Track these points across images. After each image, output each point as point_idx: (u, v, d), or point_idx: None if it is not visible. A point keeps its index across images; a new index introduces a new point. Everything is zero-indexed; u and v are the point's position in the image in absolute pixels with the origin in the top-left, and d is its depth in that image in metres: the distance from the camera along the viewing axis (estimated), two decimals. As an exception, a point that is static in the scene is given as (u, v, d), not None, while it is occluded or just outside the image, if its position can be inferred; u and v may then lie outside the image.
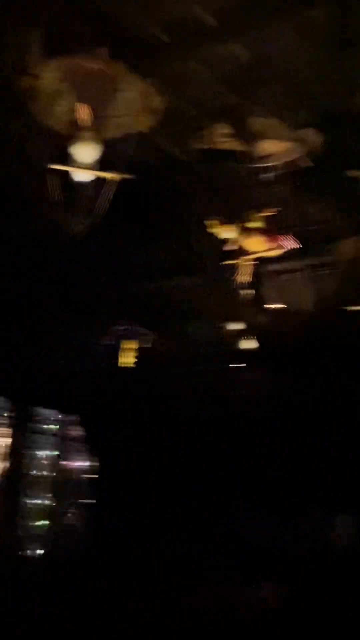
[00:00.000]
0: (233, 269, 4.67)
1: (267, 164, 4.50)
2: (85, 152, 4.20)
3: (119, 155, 4.18)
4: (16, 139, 4.11)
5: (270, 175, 4.52)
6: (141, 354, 6.70)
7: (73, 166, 4.03)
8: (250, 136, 4.37)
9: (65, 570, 7.67)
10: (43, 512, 7.85)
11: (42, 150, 4.06)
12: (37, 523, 7.76)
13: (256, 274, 5.23)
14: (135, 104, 4.10)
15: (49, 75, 3.89)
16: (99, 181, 4.11)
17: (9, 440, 7.47)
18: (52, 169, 4.02)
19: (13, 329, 6.64)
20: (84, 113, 4.34)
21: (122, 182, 4.06)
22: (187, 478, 7.98)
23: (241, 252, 4.43)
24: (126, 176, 4.06)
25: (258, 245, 4.91)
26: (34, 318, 6.79)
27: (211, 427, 7.90)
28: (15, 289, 5.90)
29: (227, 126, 4.40)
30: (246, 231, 4.41)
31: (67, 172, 4.02)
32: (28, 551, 7.65)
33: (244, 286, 4.72)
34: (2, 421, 7.51)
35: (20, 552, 7.48)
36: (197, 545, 7.57)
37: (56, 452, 8.14)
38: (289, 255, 5.14)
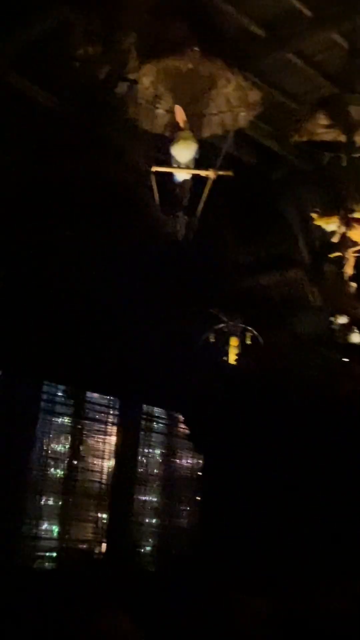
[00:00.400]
0: (339, 261, 4.57)
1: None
2: (184, 151, 4.25)
3: (218, 152, 4.20)
4: (117, 144, 4.21)
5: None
6: (247, 350, 6.69)
7: (173, 167, 4.09)
8: (350, 126, 4.28)
9: (175, 566, 7.78)
10: (154, 510, 7.98)
11: (142, 153, 4.14)
12: (149, 520, 7.89)
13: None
14: (233, 100, 4.10)
15: (146, 79, 3.96)
16: (199, 180, 4.13)
17: (120, 439, 7.63)
18: (153, 171, 4.09)
19: (121, 329, 6.81)
20: (181, 113, 4.38)
21: (222, 179, 4.07)
22: (296, 475, 7.89)
23: (347, 243, 4.33)
24: (226, 173, 4.07)
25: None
26: (140, 318, 6.93)
27: (319, 424, 7.78)
28: (122, 291, 6.05)
29: (326, 117, 4.32)
30: (351, 222, 4.31)
31: (167, 173, 4.08)
32: (140, 548, 7.80)
33: (350, 278, 4.61)
34: (113, 420, 7.69)
35: (133, 549, 7.63)
36: (308, 545, 7.47)
37: (165, 451, 8.24)
38: None
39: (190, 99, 4.14)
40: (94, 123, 3.98)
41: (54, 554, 6.92)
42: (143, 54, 3.88)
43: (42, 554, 6.84)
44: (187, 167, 4.14)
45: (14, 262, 4.85)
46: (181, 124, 4.48)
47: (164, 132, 4.26)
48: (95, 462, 7.45)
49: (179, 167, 4.05)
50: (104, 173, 4.21)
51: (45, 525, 6.91)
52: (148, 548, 7.88)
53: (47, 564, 6.90)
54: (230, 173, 4.09)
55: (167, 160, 3.93)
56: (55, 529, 6.98)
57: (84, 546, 7.19)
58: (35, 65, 3.79)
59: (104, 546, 7.29)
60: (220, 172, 4.09)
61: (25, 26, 3.70)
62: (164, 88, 4.07)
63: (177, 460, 8.30)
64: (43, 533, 6.87)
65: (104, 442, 7.56)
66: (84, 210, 4.59)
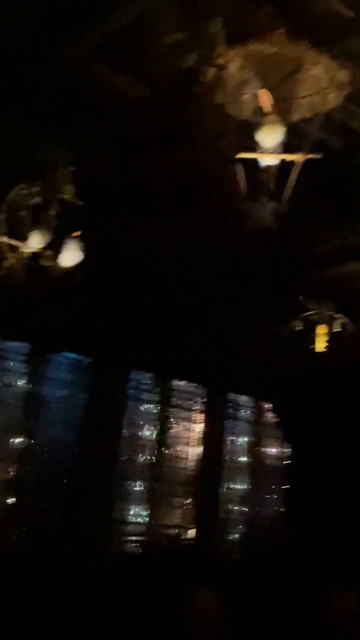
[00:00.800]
0: None
1: None
2: (270, 136, 4.17)
3: (304, 136, 4.11)
4: (205, 132, 4.19)
5: None
6: (334, 338, 6.57)
7: (259, 152, 4.03)
8: None
9: (262, 555, 7.77)
10: (240, 498, 7.99)
11: (229, 140, 4.10)
12: (235, 508, 7.91)
13: None
14: (321, 82, 4.00)
15: (233, 65, 3.92)
16: (285, 165, 4.06)
17: (207, 427, 7.67)
18: (239, 158, 4.05)
19: (206, 317, 6.82)
20: (266, 98, 4.31)
21: (310, 163, 3.98)
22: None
23: None
24: (314, 156, 3.98)
25: None
26: (227, 306, 6.92)
27: None
28: (209, 280, 6.05)
29: None
30: None
31: (253, 160, 4.03)
32: (227, 535, 7.83)
33: None
34: (199, 408, 7.74)
35: (219, 536, 7.67)
36: None
37: (251, 439, 8.22)
38: None
39: (277, 83, 4.06)
40: (181, 111, 3.98)
41: (142, 539, 7.06)
42: (229, 39, 3.83)
43: (130, 538, 6.99)
44: (274, 152, 4.07)
45: (103, 252, 4.92)
46: (266, 109, 4.41)
47: (252, 118, 4.20)
48: (181, 449, 7.53)
49: (265, 152, 3.99)
50: (190, 161, 4.19)
51: (133, 510, 7.05)
52: (235, 535, 7.91)
53: (135, 548, 7.05)
54: (318, 156, 4.00)
55: (254, 146, 3.87)
56: (144, 514, 7.12)
57: (171, 532, 7.30)
58: (120, 53, 3.82)
59: (190, 532, 7.38)
60: (309, 156, 4.01)
61: (111, 13, 3.72)
62: (251, 73, 4.01)
63: (264, 449, 8.28)
64: (132, 518, 7.02)
65: (190, 430, 7.63)
66: (171, 200, 4.60)
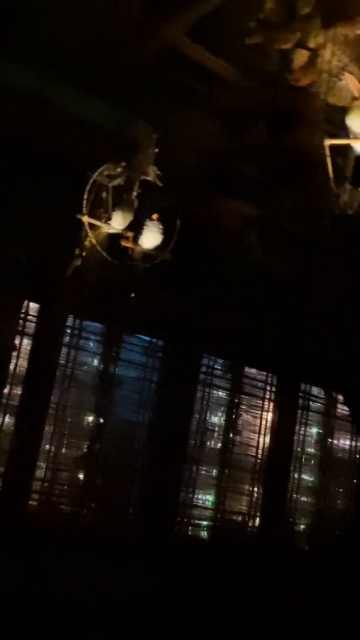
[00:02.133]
0: None
1: None
2: None
3: None
4: (297, 119, 4.11)
5: None
6: None
7: (350, 138, 3.92)
8: None
9: (329, 547, 7.68)
10: (309, 489, 7.91)
11: (320, 126, 4.01)
12: (303, 499, 7.83)
13: None
14: None
15: (328, 49, 3.82)
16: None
17: (277, 416, 7.61)
18: (327, 144, 3.95)
19: (281, 305, 6.75)
20: (355, 82, 4.19)
21: None
22: None
23: None
24: None
25: None
26: (300, 295, 6.83)
27: None
28: (286, 266, 5.97)
29: None
30: None
31: (344, 146, 3.93)
32: (294, 526, 7.76)
33: None
34: (270, 396, 7.68)
35: (286, 525, 7.62)
36: None
37: (322, 430, 8.11)
38: None
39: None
40: (274, 96, 3.92)
41: (209, 523, 7.09)
42: (324, 23, 3.75)
43: (197, 522, 7.03)
44: (364, 138, 3.95)
45: (185, 235, 4.91)
46: (356, 93, 4.29)
47: (341, 102, 4.11)
48: (251, 436, 7.50)
49: (356, 137, 3.88)
50: (282, 145, 4.12)
51: (201, 495, 7.08)
52: (302, 526, 7.84)
53: (201, 532, 7.08)
54: None
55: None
56: (211, 499, 7.13)
57: (238, 518, 7.29)
58: (213, 36, 3.79)
59: (257, 520, 7.36)
60: None
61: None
62: (347, 58, 3.91)
63: (335, 441, 8.15)
64: (199, 502, 7.05)
65: (261, 418, 7.58)
66: (256, 182, 4.55)
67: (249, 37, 3.58)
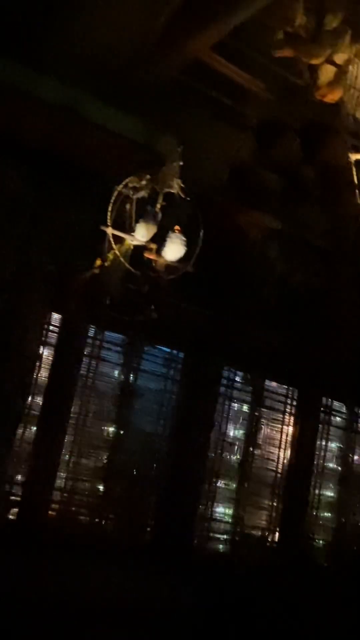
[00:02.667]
0: None
1: None
2: None
3: None
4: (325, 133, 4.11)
5: None
6: None
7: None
8: None
9: (350, 562, 7.60)
10: (329, 504, 7.83)
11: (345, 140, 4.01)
12: (323, 514, 7.76)
13: None
14: None
15: (353, 64, 3.83)
16: None
17: (297, 430, 7.56)
18: (355, 159, 3.95)
19: (303, 319, 6.73)
20: None
21: None
22: None
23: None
24: None
25: None
26: (321, 310, 6.80)
27: None
28: (308, 279, 5.96)
29: None
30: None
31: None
32: (314, 541, 7.69)
33: None
34: (291, 410, 7.64)
35: (306, 541, 7.55)
36: None
37: (343, 445, 8.04)
38: None
39: None
40: (301, 110, 3.93)
41: (227, 537, 7.04)
42: (353, 38, 3.76)
43: (216, 536, 6.98)
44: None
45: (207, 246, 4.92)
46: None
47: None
48: (271, 450, 7.45)
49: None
50: (310, 159, 4.13)
51: (219, 509, 7.04)
52: (321, 542, 7.75)
53: (220, 546, 7.03)
54: None
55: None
56: (230, 512, 7.09)
57: (257, 532, 7.23)
58: (239, 50, 3.82)
59: (277, 535, 7.29)
60: None
61: (231, 10, 3.72)
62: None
63: (356, 457, 8.07)
64: (218, 516, 7.01)
65: (281, 432, 7.53)
66: (280, 195, 4.56)
67: (278, 51, 3.60)
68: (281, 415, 7.57)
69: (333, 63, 3.67)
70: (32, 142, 4.47)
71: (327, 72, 3.75)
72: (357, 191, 3.88)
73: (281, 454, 7.47)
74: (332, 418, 7.95)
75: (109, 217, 4.88)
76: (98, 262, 5.36)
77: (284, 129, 3.36)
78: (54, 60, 3.90)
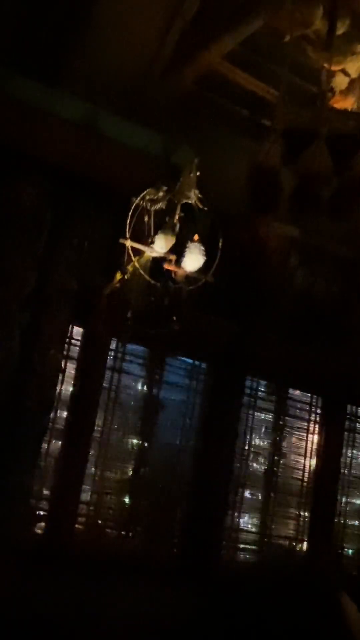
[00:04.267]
0: None
1: None
2: None
3: None
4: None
5: None
6: None
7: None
8: None
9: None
10: (357, 512, 7.75)
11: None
12: (352, 522, 7.68)
13: None
14: None
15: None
16: None
17: (323, 439, 7.51)
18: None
19: (325, 325, 6.70)
20: None
21: None
22: None
23: None
24: None
25: None
26: (345, 316, 6.76)
27: None
28: (329, 287, 5.93)
29: None
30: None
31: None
32: (343, 550, 7.60)
33: None
34: (315, 418, 7.59)
35: (335, 550, 7.47)
36: None
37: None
38: None
39: None
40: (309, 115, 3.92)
41: (255, 547, 6.99)
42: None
43: (243, 546, 6.94)
44: None
45: (230, 258, 4.92)
46: None
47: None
48: (297, 459, 7.40)
49: None
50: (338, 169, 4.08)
51: (246, 519, 7.00)
52: (350, 550, 7.67)
53: (248, 556, 6.98)
54: None
55: None
56: (257, 522, 7.04)
57: (285, 542, 7.18)
58: (250, 57, 3.84)
59: (305, 544, 7.23)
60: None
61: (244, 20, 3.74)
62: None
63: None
64: (245, 526, 6.97)
65: (306, 440, 7.48)
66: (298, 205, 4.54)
67: (304, 52, 3.60)
68: (306, 424, 7.53)
69: (344, 71, 3.67)
70: (50, 158, 4.51)
71: (340, 80, 3.75)
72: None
73: (307, 463, 7.42)
74: (358, 425, 7.88)
75: (127, 230, 4.90)
76: (118, 275, 5.38)
77: (312, 137, 3.35)
78: (71, 77, 3.94)
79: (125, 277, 5.40)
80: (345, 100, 3.97)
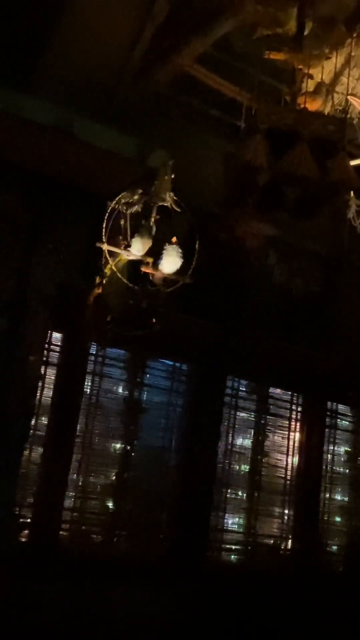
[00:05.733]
0: None
1: None
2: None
3: None
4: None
5: None
6: None
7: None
8: None
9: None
10: (341, 509, 7.80)
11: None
12: (335, 519, 7.73)
13: None
14: None
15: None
16: None
17: (305, 436, 7.55)
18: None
19: (309, 324, 6.73)
20: (357, 102, 4.22)
21: None
22: None
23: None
24: None
25: None
26: (323, 313, 6.81)
27: None
28: (308, 285, 5.97)
29: None
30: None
31: None
32: (328, 547, 7.65)
33: None
34: (296, 416, 7.62)
35: (320, 547, 7.51)
36: None
37: (351, 449, 8.02)
38: None
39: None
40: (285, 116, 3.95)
41: (241, 547, 7.01)
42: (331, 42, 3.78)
43: (229, 546, 6.95)
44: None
45: (208, 259, 4.94)
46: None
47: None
48: (279, 457, 7.43)
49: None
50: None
51: (231, 519, 7.01)
52: (335, 547, 7.72)
53: (233, 556, 6.99)
54: None
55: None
56: (241, 522, 7.06)
57: (270, 541, 7.20)
58: (222, 60, 3.86)
59: (289, 542, 7.26)
60: None
61: (214, 23, 3.76)
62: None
63: (364, 459, 8.05)
64: (230, 526, 6.98)
65: (288, 438, 7.51)
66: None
67: (270, 53, 3.62)
68: (287, 422, 7.56)
69: (309, 74, 3.70)
70: (25, 163, 4.50)
71: (306, 83, 3.78)
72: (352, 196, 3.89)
73: (289, 461, 7.45)
74: (339, 422, 7.93)
75: (103, 234, 4.90)
76: (97, 279, 5.38)
77: (295, 139, 3.37)
78: (43, 82, 3.94)
79: (103, 280, 5.41)
80: (313, 102, 4.00)
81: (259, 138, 3.41)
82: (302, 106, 3.92)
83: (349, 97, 4.24)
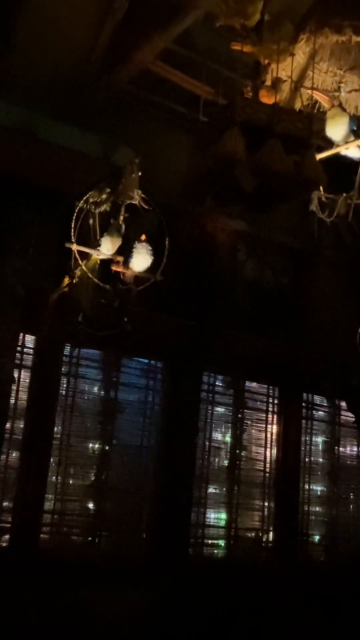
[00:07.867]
0: None
1: None
2: (337, 128, 4.12)
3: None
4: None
5: None
6: None
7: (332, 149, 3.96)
8: None
9: (344, 556, 7.63)
10: (320, 499, 7.86)
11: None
12: (315, 509, 7.78)
13: None
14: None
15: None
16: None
17: (282, 428, 7.59)
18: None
19: (278, 317, 6.76)
20: (320, 96, 4.24)
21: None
22: None
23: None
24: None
25: None
26: (298, 305, 6.84)
27: None
28: (282, 280, 5.99)
29: None
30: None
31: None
32: (309, 537, 7.70)
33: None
34: (273, 409, 7.66)
35: (301, 538, 7.56)
36: None
37: (328, 439, 8.08)
38: None
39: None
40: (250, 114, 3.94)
41: (223, 542, 7.03)
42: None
43: (211, 541, 6.96)
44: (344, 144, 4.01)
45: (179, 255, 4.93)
46: (326, 104, 4.35)
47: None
48: (258, 451, 7.46)
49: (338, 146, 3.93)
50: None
51: (212, 514, 7.02)
52: (316, 537, 7.77)
53: (215, 551, 7.01)
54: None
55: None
56: (223, 517, 7.07)
57: (252, 534, 7.23)
58: (184, 55, 3.85)
59: (271, 534, 7.30)
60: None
61: (175, 18, 3.75)
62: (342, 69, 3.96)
63: (342, 449, 8.12)
64: (211, 521, 6.99)
65: (266, 431, 7.54)
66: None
67: (236, 44, 3.60)
68: (264, 415, 7.59)
69: (266, 67, 3.70)
70: (-9, 166, 4.45)
71: (266, 76, 3.79)
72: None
73: (268, 453, 7.48)
74: (315, 412, 7.98)
75: (72, 234, 4.87)
76: (66, 280, 5.35)
77: (267, 134, 3.35)
78: (4, 83, 3.89)
79: (74, 281, 5.38)
80: (269, 96, 3.99)
81: (236, 131, 3.40)
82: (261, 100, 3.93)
83: (313, 92, 4.26)
